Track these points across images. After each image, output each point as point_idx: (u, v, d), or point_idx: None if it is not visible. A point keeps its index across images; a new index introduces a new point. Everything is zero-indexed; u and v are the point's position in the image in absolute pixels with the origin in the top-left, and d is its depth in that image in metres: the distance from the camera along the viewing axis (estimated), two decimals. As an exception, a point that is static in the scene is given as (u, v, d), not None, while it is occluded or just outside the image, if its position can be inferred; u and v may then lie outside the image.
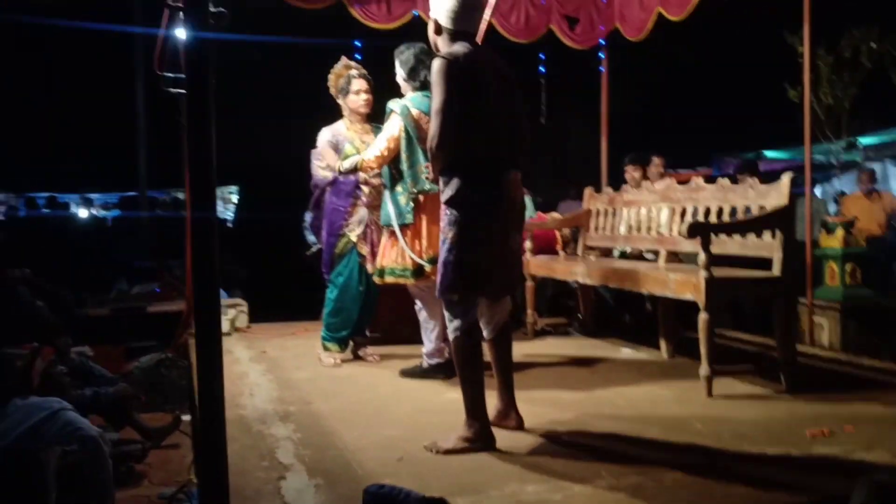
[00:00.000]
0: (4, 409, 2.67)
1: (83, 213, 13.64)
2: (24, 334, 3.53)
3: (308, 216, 5.02)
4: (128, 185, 11.64)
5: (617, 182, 6.85)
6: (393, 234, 4.42)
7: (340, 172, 4.66)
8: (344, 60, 5.02)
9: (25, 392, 2.72)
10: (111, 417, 3.62)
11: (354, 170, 4.59)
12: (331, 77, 5.00)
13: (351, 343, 5.03)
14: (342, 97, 4.96)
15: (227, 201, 16.16)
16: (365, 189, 4.84)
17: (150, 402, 4.20)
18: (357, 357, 5.01)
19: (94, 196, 15.06)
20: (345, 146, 4.83)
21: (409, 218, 4.36)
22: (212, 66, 2.05)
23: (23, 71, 13.70)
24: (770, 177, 5.49)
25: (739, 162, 6.16)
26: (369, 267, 4.84)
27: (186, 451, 3.45)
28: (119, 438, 3.47)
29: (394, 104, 4.43)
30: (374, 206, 4.79)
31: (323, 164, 4.91)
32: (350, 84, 4.92)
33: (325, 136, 4.96)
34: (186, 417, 4.19)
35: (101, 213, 14.59)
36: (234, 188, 15.87)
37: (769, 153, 12.78)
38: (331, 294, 4.93)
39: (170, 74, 3.90)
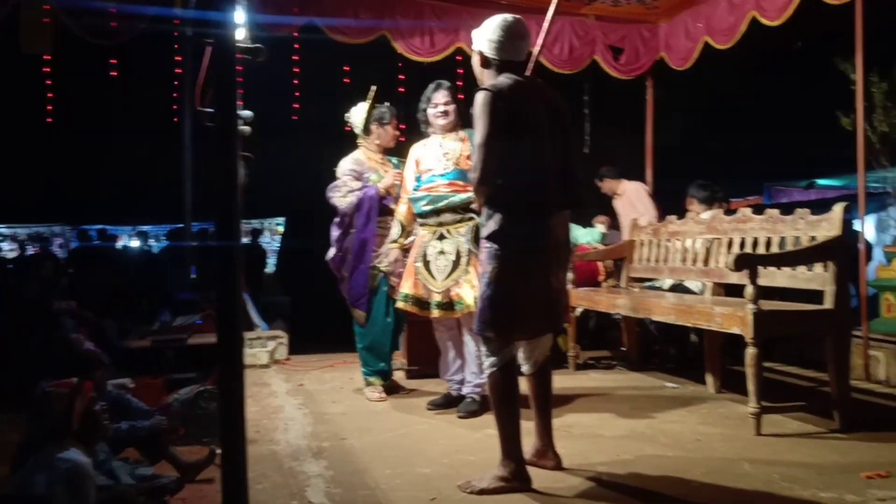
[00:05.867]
0: (39, 457, 2.55)
1: (132, 244, 13.89)
2: (64, 368, 3.50)
3: (330, 252, 4.94)
4: (178, 218, 11.86)
5: (659, 213, 6.70)
6: None
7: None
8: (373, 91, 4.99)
9: (65, 437, 2.60)
10: (147, 451, 3.59)
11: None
12: (365, 106, 4.98)
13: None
14: (375, 126, 4.94)
15: (274, 233, 16.37)
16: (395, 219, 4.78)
17: (187, 434, 4.16)
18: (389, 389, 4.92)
19: (146, 228, 15.37)
20: (369, 175, 4.85)
21: None
22: (234, 98, 2.03)
23: (77, 108, 14.09)
24: (821, 205, 5.31)
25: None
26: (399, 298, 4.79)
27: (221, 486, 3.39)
28: (153, 473, 3.43)
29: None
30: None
31: (341, 193, 4.84)
32: (385, 117, 4.95)
33: (346, 164, 4.93)
34: (221, 451, 4.16)
35: (152, 244, 14.85)
36: (280, 220, 16.06)
37: (822, 181, 12.46)
38: (360, 329, 4.90)
39: (209, 109, 3.92)
